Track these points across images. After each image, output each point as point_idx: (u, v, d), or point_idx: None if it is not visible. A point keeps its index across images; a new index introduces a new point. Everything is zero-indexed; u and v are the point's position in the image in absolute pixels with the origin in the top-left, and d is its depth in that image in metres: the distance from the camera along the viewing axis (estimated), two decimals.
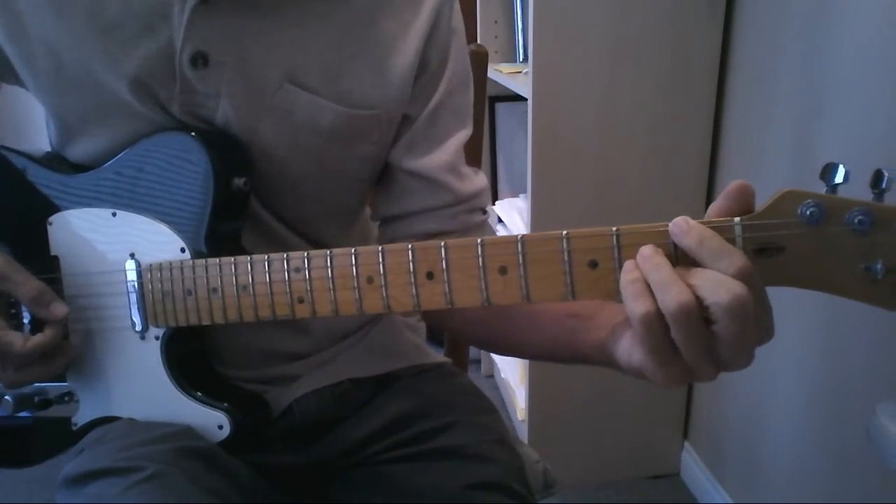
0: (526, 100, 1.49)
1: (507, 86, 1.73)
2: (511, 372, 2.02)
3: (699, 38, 1.44)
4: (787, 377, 1.33)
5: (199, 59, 0.66)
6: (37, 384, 0.75)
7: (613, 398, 1.69)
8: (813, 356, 1.25)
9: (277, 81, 0.69)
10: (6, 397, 0.73)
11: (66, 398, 0.75)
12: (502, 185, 2.10)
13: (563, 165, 1.50)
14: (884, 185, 0.45)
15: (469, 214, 0.79)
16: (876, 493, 1.11)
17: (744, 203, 0.48)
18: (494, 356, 2.13)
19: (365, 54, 0.71)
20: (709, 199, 1.55)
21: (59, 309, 0.67)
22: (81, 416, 0.75)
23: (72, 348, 0.71)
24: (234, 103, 0.68)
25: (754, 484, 1.50)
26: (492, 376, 2.20)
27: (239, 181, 0.69)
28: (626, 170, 1.51)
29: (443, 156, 0.77)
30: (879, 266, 0.45)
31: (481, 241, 0.53)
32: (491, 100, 1.99)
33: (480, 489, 0.72)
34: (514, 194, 2.07)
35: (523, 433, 1.73)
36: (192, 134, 0.68)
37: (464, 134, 0.79)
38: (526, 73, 1.54)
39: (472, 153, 0.90)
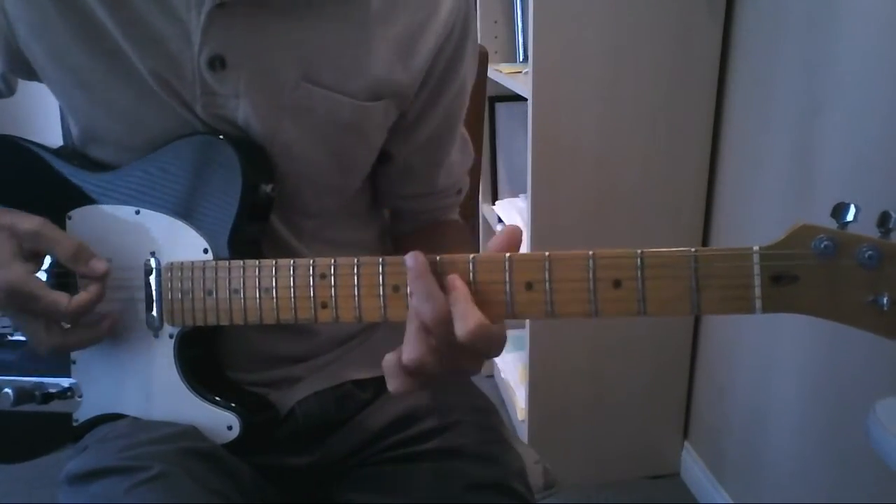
0: (526, 100, 1.49)
1: (507, 86, 1.73)
2: (511, 372, 2.01)
3: (699, 38, 1.44)
4: (787, 377, 1.33)
5: (217, 62, 0.67)
6: (38, 378, 0.75)
7: (613, 398, 1.69)
8: (813, 356, 1.26)
9: (295, 80, 0.69)
10: (6, 390, 0.73)
11: (69, 393, 0.75)
12: (502, 185, 2.10)
13: (563, 165, 1.50)
14: (890, 225, 0.48)
15: (441, 200, 0.89)
16: (876, 493, 1.11)
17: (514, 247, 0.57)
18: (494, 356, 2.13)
19: (380, 51, 0.72)
20: (708, 200, 1.56)
21: (100, 265, 0.67)
22: (83, 412, 0.75)
23: (112, 315, 0.70)
24: (253, 103, 0.69)
25: (754, 484, 1.50)
26: (492, 376, 2.20)
27: (266, 187, 0.70)
28: (626, 170, 1.51)
29: (440, 179, 0.86)
30: (885, 299, 0.49)
31: (509, 256, 0.56)
32: (491, 100, 1.98)
33: (480, 489, 0.72)
34: (514, 194, 2.07)
35: (523, 433, 1.73)
36: (221, 136, 0.68)
37: (456, 147, 0.86)
38: (526, 73, 1.54)
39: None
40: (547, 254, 0.55)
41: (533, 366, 1.66)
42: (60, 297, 0.65)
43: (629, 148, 1.50)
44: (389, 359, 0.57)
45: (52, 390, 0.74)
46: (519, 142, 2.01)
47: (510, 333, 2.07)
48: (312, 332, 0.80)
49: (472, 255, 0.57)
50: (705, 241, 1.58)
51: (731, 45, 1.45)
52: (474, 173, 1.00)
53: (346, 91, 0.71)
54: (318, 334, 0.80)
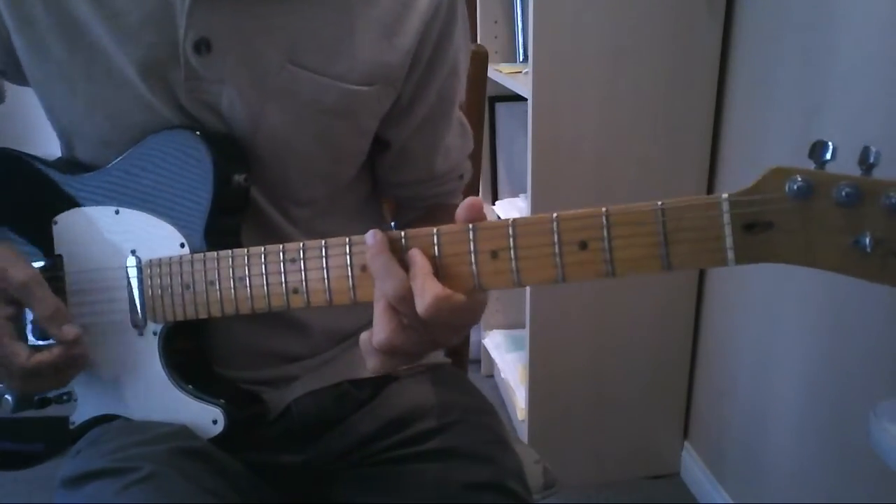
0: (526, 100, 1.49)
1: (507, 86, 1.73)
2: (511, 372, 2.01)
3: (699, 38, 1.44)
4: (788, 377, 1.33)
5: (203, 46, 0.67)
6: None
7: (613, 398, 1.69)
8: (813, 356, 1.25)
9: (279, 63, 0.69)
10: (6, 397, 0.73)
11: (65, 397, 0.75)
12: (502, 185, 2.10)
13: (563, 165, 1.50)
14: (871, 161, 0.45)
15: (442, 186, 0.88)
16: (876, 493, 1.11)
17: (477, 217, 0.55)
18: (494, 356, 2.13)
19: (365, 32, 0.72)
20: None
21: (71, 331, 0.67)
22: (79, 415, 0.75)
23: (83, 359, 0.70)
24: (238, 87, 0.69)
25: (754, 484, 1.50)
26: (492, 376, 2.20)
27: (239, 177, 0.70)
28: (626, 170, 1.51)
29: (437, 164, 0.84)
30: (868, 239, 0.45)
31: (473, 226, 0.54)
32: (491, 100, 1.98)
33: (479, 489, 0.72)
34: (514, 194, 2.07)
35: (523, 433, 1.73)
36: (198, 133, 0.68)
37: (454, 130, 0.84)
38: (526, 73, 1.54)
39: (471, 154, 0.91)
40: (511, 219, 0.53)
41: (533, 366, 1.66)
42: (20, 350, 0.66)
43: (629, 147, 1.50)
44: (364, 337, 0.56)
45: (50, 395, 0.75)
46: (519, 142, 2.01)
47: (510, 333, 2.07)
48: (306, 327, 0.79)
49: (436, 228, 0.55)
50: None
51: (731, 44, 1.44)
52: (474, 173, 0.99)
53: (332, 74, 0.71)
54: (312, 330, 0.80)
